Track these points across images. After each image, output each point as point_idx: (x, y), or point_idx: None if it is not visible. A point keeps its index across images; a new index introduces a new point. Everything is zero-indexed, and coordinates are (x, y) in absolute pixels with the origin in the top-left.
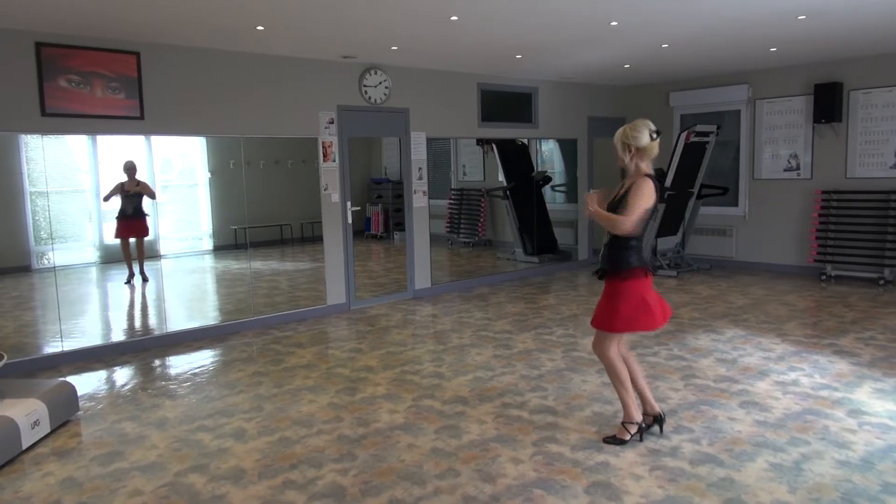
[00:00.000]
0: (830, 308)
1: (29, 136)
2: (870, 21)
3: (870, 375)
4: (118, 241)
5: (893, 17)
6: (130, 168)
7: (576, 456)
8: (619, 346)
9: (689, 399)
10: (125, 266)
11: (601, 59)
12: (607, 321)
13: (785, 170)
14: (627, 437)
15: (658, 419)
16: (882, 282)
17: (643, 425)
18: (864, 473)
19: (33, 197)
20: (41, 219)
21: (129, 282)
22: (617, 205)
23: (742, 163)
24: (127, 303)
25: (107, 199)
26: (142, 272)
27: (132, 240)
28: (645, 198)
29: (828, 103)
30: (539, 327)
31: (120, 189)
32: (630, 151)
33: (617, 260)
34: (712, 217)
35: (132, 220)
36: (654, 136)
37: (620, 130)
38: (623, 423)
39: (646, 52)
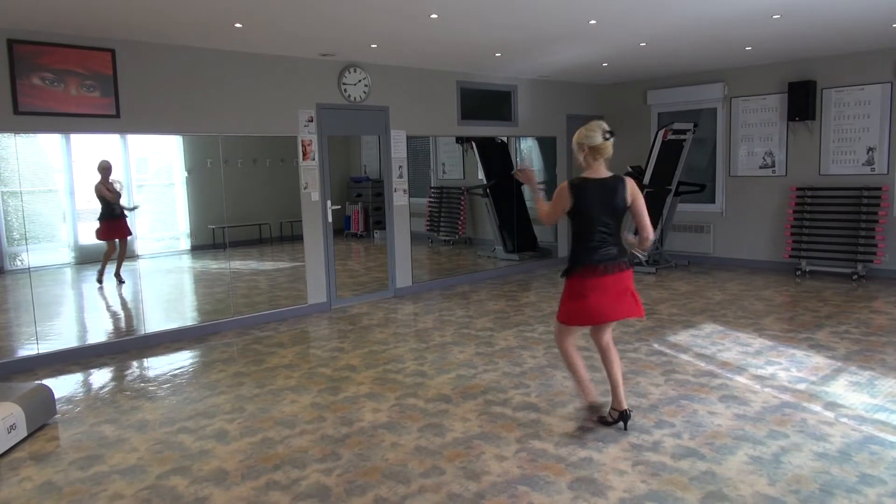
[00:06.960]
0: (806, 303)
1: (1, 135)
2: (841, 20)
3: (845, 369)
4: (103, 242)
5: (863, 17)
6: (105, 168)
7: (559, 452)
8: (603, 337)
9: (669, 394)
10: (103, 266)
11: (580, 58)
12: (559, 312)
13: (760, 167)
14: (610, 419)
15: (623, 415)
16: (855, 277)
17: (609, 419)
18: (841, 465)
19: (5, 197)
20: (14, 219)
21: (100, 283)
22: None
23: (718, 160)
24: (104, 304)
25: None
26: (118, 273)
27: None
28: (554, 200)
29: (801, 101)
30: (520, 324)
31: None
32: (584, 150)
33: (568, 257)
34: (690, 214)
35: (118, 221)
36: (607, 136)
37: (577, 131)
38: (610, 408)
39: (624, 51)
